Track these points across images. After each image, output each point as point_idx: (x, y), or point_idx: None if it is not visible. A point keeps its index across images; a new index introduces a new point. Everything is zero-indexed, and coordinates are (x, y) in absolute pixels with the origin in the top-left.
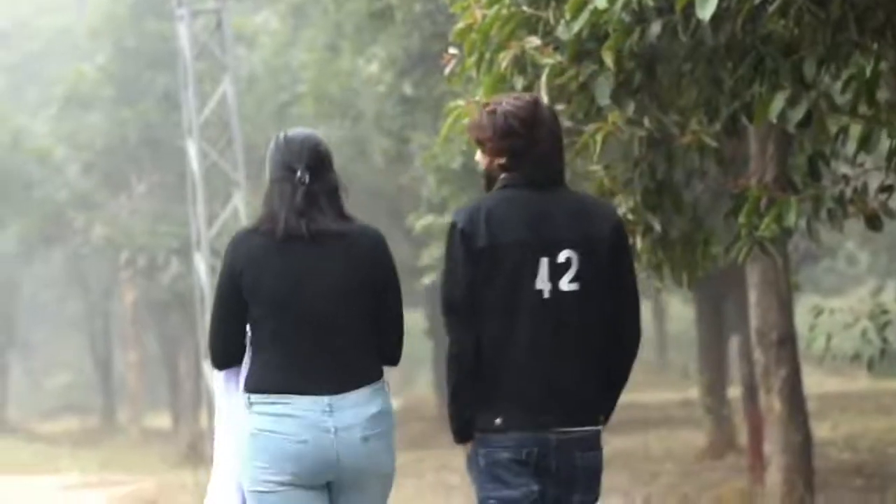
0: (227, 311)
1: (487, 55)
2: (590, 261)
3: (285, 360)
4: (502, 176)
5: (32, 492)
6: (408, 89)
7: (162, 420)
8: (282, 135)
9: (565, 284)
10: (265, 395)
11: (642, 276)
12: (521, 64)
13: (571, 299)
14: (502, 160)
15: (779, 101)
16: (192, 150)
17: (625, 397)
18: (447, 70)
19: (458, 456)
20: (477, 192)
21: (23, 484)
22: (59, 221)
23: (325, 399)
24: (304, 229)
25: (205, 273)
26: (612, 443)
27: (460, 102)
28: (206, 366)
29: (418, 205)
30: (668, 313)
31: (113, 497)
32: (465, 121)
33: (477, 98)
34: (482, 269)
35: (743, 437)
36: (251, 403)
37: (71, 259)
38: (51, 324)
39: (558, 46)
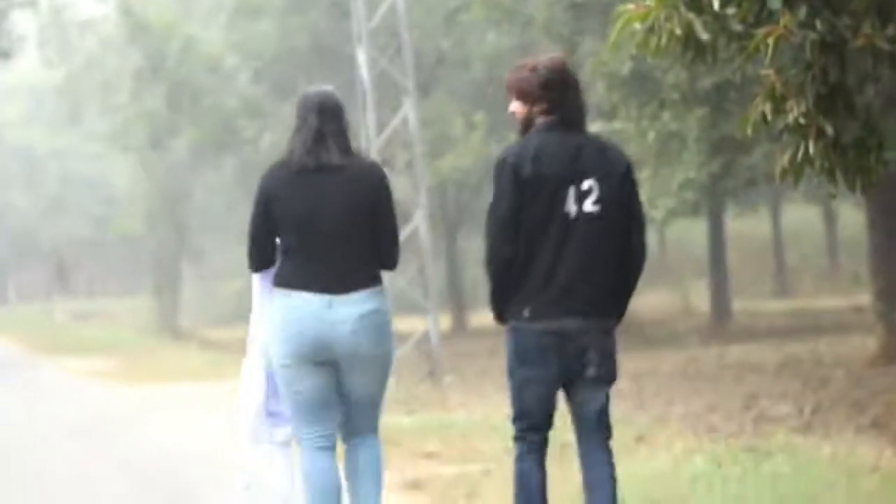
0: (260, 226)
1: None
2: (607, 188)
3: (302, 265)
4: (539, 120)
5: (203, 398)
6: None
7: None
8: (303, 93)
9: (588, 206)
10: (285, 290)
11: (814, 181)
12: None
13: (592, 218)
14: (544, 106)
15: None
16: (361, 57)
17: (795, 304)
18: None
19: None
20: (646, 97)
21: (194, 390)
22: (229, 129)
23: (327, 297)
24: (312, 163)
25: None
26: (783, 349)
27: (630, 7)
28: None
29: (587, 111)
30: (840, 218)
31: None
32: (637, 26)
33: (647, 2)
34: (525, 196)
35: None
36: (276, 296)
37: (241, 167)
38: (222, 231)
39: None
